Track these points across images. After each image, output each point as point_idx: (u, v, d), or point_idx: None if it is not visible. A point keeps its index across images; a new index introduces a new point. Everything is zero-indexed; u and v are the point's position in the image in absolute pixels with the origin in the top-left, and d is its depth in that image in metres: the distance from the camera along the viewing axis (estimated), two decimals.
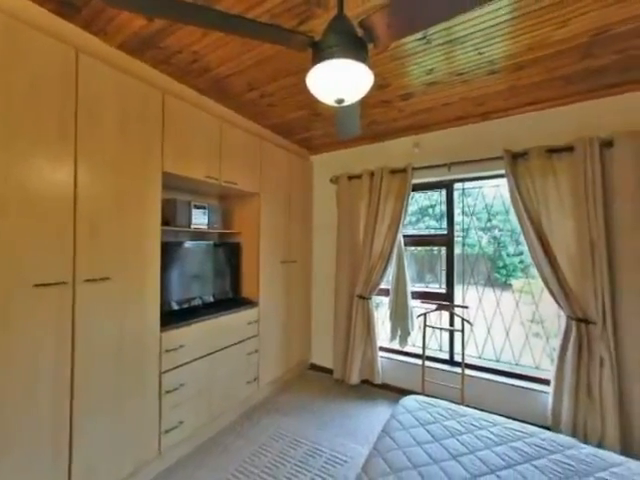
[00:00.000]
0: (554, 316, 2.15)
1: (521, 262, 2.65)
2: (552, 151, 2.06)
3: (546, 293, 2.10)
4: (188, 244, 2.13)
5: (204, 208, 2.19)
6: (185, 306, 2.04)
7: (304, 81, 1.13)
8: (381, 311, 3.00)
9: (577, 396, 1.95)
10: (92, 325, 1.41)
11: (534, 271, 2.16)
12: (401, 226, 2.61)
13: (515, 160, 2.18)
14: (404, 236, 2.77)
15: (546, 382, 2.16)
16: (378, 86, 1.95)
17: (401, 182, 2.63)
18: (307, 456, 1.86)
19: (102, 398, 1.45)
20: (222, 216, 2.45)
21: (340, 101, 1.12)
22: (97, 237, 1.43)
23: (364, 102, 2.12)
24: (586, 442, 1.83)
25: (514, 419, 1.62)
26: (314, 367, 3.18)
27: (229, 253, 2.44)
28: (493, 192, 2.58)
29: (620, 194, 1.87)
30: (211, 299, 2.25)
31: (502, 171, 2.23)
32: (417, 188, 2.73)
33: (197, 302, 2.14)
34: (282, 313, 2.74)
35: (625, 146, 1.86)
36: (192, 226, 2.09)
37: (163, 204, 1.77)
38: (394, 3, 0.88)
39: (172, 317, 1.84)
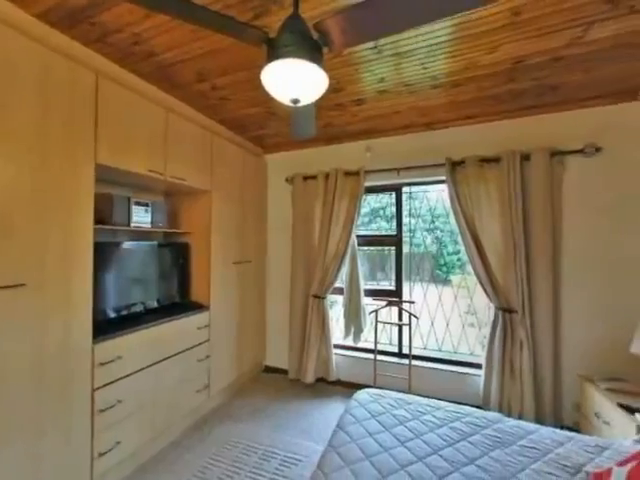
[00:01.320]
0: (485, 307, 2.43)
1: (459, 260, 2.94)
2: (484, 161, 2.33)
3: (479, 287, 2.36)
4: (127, 245, 1.94)
5: (147, 205, 2.01)
6: (124, 313, 1.85)
7: (259, 77, 1.10)
8: (335, 309, 3.07)
9: (503, 376, 2.23)
10: (1, 340, 1.20)
11: (469, 268, 2.41)
12: (354, 227, 2.71)
13: (454, 168, 2.41)
14: (357, 236, 2.88)
15: (479, 366, 2.43)
16: (333, 89, 1.99)
17: (354, 184, 2.72)
18: (261, 461, 1.82)
19: (15, 427, 1.23)
20: (168, 214, 2.27)
21: (295, 101, 1.12)
22: (9, 236, 1.22)
23: (319, 104, 2.15)
24: (510, 415, 2.10)
25: (454, 402, 1.79)
26: (269, 369, 3.13)
27: (176, 254, 2.27)
28: (436, 196, 2.83)
29: (534, 201, 2.19)
30: (155, 304, 2.07)
31: (444, 177, 2.44)
32: (369, 190, 2.85)
33: (138, 308, 1.95)
34: (235, 316, 2.64)
35: (538, 160, 2.18)
36: (132, 225, 1.89)
37: (97, 200, 1.58)
38: (348, 10, 0.91)
39: (108, 326, 1.66)
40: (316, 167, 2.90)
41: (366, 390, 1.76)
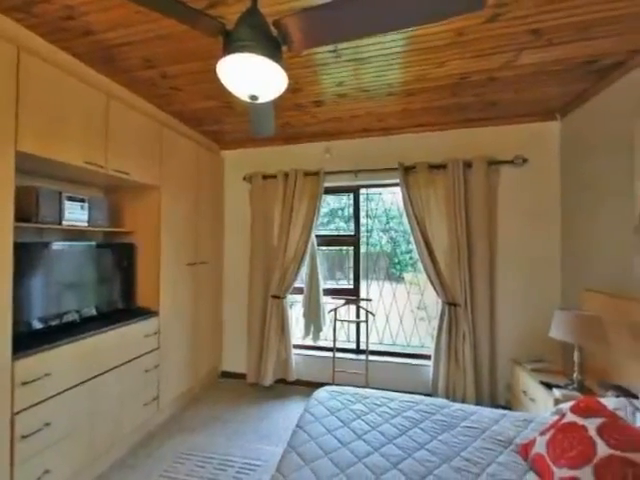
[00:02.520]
0: (434, 302, 2.63)
1: (411, 258, 3.13)
2: (433, 167, 2.52)
3: (429, 283, 2.55)
4: (58, 245, 1.71)
5: (83, 201, 1.79)
6: (54, 323, 1.63)
7: (214, 69, 1.05)
8: (294, 309, 3.06)
9: (449, 365, 2.43)
10: None
11: (420, 266, 2.58)
12: (314, 227, 2.73)
13: (407, 172, 2.57)
14: (317, 236, 2.90)
15: (428, 357, 2.61)
16: (292, 89, 1.98)
17: (314, 185, 2.74)
18: (217, 471, 1.74)
19: None
20: (110, 212, 2.06)
21: (254, 98, 1.09)
22: None
23: (278, 103, 2.12)
24: (455, 400, 2.30)
25: (407, 392, 1.91)
26: (226, 375, 3.01)
27: (119, 256, 2.06)
28: (390, 198, 2.98)
29: (475, 205, 2.43)
30: (93, 312, 1.86)
31: (397, 180, 2.58)
32: (328, 191, 2.89)
33: (72, 317, 1.73)
34: (189, 321, 2.48)
35: (478, 168, 2.42)
36: (64, 223, 1.68)
37: (19, 194, 1.36)
38: (309, 11, 0.91)
39: (33, 339, 1.44)
40: (274, 166, 2.86)
41: (325, 388, 1.79)
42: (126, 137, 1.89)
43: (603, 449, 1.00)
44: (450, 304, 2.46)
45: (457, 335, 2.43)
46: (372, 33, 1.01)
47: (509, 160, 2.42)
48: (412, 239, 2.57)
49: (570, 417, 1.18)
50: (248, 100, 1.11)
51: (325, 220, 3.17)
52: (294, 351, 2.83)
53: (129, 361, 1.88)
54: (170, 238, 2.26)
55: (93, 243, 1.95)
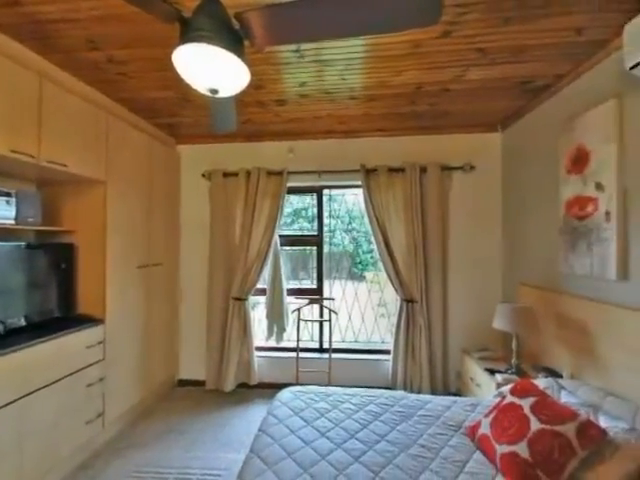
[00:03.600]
0: (393, 299, 2.76)
1: (372, 257, 3.25)
2: (392, 170, 2.64)
3: (389, 282, 2.66)
4: None
5: (8, 195, 1.57)
6: None
7: (170, 57, 0.99)
8: (257, 310, 2.99)
9: (406, 357, 2.57)
10: None
11: (381, 265, 2.69)
12: (277, 226, 2.70)
13: (368, 174, 2.65)
14: (280, 236, 2.87)
15: (388, 352, 2.73)
16: (254, 86, 1.94)
17: (277, 184, 2.71)
18: None
19: None
20: (44, 208, 1.82)
21: (214, 92, 1.05)
22: None
23: (240, 99, 2.06)
24: (412, 391, 2.44)
25: (369, 387, 1.97)
26: (183, 383, 2.84)
27: (56, 258, 1.84)
28: (353, 199, 3.05)
29: (430, 208, 2.60)
30: (22, 322, 1.63)
31: (359, 182, 2.66)
32: (292, 191, 2.88)
33: None
34: (140, 327, 2.30)
35: (433, 173, 2.59)
36: None
37: None
38: (270, 8, 0.90)
39: None
40: (236, 164, 2.77)
41: (289, 388, 1.77)
42: (64, 125, 1.69)
43: (535, 424, 1.13)
44: (408, 301, 2.59)
45: (414, 330, 2.58)
46: (333, 37, 1.03)
47: (459, 166, 2.63)
48: (373, 239, 2.67)
49: (509, 398, 1.32)
50: (208, 94, 1.06)
51: (289, 220, 3.15)
52: (256, 353, 2.77)
53: (67, 375, 1.68)
54: (118, 238, 2.07)
55: (22, 243, 1.71)
